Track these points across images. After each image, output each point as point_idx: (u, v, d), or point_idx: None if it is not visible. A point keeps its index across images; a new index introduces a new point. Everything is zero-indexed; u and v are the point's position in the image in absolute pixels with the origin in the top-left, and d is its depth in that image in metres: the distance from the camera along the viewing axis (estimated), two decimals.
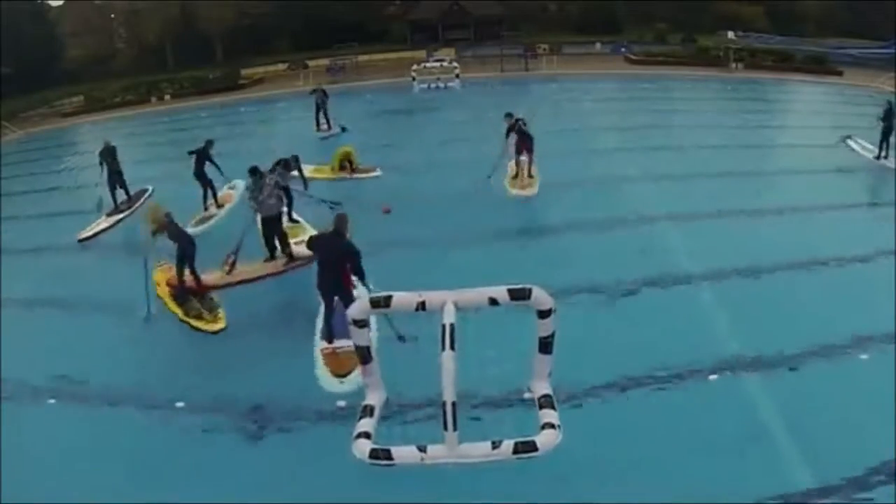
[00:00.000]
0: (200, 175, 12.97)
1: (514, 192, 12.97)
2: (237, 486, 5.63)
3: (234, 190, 13.74)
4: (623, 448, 5.72)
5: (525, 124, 13.23)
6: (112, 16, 49.24)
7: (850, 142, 16.35)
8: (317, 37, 43.30)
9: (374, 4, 47.77)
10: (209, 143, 13.27)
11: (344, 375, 6.90)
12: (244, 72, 40.26)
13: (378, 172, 15.24)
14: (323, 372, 7.11)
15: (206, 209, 13.07)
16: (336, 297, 7.40)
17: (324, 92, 20.64)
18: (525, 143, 13.16)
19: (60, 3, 48.74)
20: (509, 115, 13.54)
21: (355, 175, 15.20)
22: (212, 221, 12.64)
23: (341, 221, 7.35)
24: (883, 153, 14.82)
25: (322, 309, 7.66)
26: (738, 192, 12.81)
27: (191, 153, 13.04)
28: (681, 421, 6.10)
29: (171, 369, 7.64)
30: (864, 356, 6.93)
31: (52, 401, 7.14)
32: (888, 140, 14.65)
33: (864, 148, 15.75)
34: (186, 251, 8.99)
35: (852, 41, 39.25)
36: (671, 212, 11.67)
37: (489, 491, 5.17)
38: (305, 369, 7.37)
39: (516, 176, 13.39)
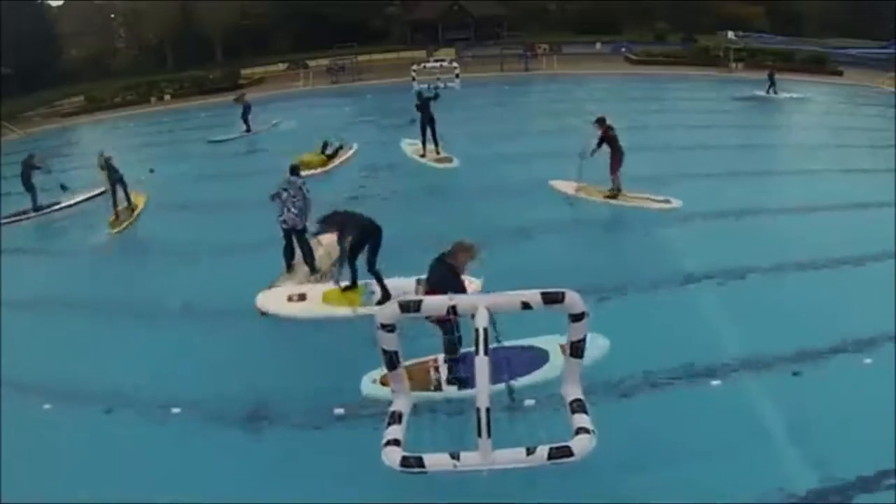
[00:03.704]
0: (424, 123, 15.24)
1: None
2: (237, 487, 5.62)
3: None
4: (623, 449, 5.70)
5: (614, 131, 11.74)
6: (112, 16, 49.37)
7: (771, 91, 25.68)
8: (317, 37, 43.40)
9: (374, 4, 47.84)
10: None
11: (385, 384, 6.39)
12: (244, 72, 40.29)
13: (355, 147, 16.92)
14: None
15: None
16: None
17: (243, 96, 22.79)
18: (618, 157, 11.81)
19: (60, 3, 48.84)
20: (602, 119, 11.82)
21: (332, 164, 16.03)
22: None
23: (455, 249, 6.10)
24: (772, 90, 25.46)
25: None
26: (737, 192, 12.79)
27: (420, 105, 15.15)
28: (681, 422, 6.08)
29: (171, 369, 7.62)
30: (867, 359, 6.92)
31: (52, 401, 7.12)
32: (773, 81, 25.43)
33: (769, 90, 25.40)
34: None
35: (852, 41, 39.30)
36: (669, 211, 11.64)
37: (489, 490, 5.17)
38: (306, 370, 7.38)
39: (613, 196, 12.06)
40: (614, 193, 12.13)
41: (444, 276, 5.99)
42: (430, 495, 5.18)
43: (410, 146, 16.53)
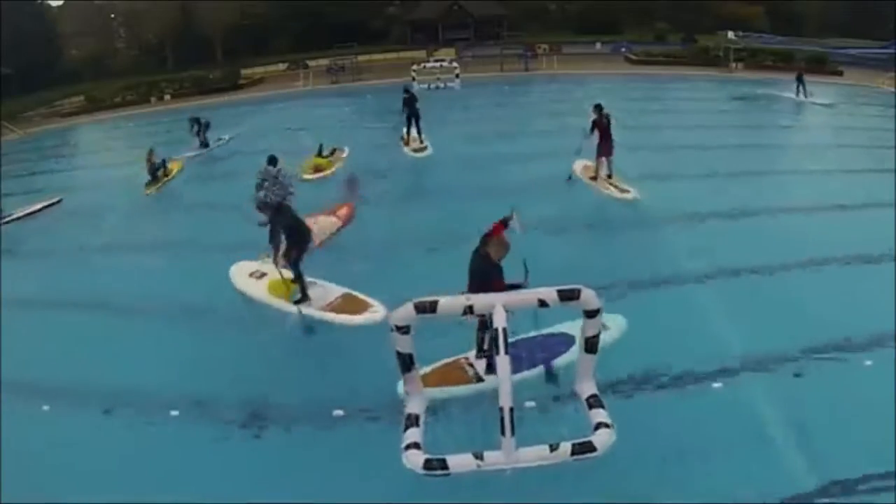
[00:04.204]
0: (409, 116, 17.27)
1: (608, 193, 12.60)
2: (237, 487, 5.62)
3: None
4: (623, 448, 5.70)
5: (609, 120, 12.57)
6: (112, 16, 49.37)
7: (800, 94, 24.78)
8: (317, 37, 43.41)
9: (374, 4, 47.85)
10: None
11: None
12: (244, 72, 40.32)
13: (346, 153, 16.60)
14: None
15: None
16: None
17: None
18: (608, 144, 12.61)
19: (60, 3, 48.87)
20: (599, 106, 12.69)
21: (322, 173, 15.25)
22: None
23: (484, 241, 6.18)
24: (801, 93, 24.45)
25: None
26: (737, 192, 12.77)
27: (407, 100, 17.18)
28: (681, 421, 6.09)
29: (171, 369, 7.62)
30: (867, 359, 6.92)
31: (53, 401, 7.12)
32: (802, 82, 24.47)
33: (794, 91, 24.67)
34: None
35: (852, 41, 39.30)
36: (670, 212, 11.66)
37: (494, 490, 5.17)
38: (308, 369, 7.39)
39: (594, 178, 12.93)
40: (594, 176, 13.08)
41: (479, 266, 6.11)
42: (433, 495, 5.18)
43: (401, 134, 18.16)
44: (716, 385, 6.61)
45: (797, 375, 6.75)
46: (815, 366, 6.85)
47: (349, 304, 8.40)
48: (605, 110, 12.64)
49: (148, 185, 15.76)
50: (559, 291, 4.88)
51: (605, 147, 12.63)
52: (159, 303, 9.30)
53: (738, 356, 7.04)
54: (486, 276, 5.95)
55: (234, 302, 8.92)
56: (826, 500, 5.13)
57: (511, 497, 5.16)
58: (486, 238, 6.17)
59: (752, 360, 6.95)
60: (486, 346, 6.41)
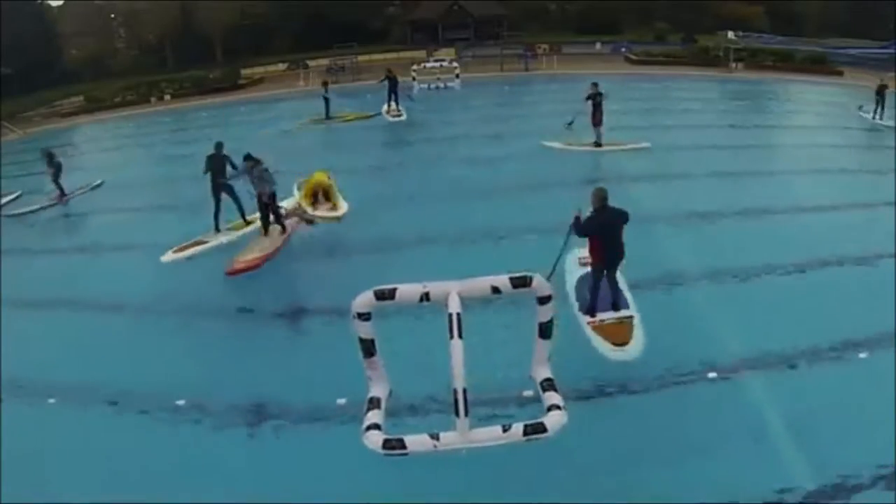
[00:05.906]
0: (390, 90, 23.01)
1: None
2: (237, 486, 5.62)
3: None
4: (622, 447, 5.72)
5: (601, 97, 15.53)
6: (112, 16, 49.33)
7: (862, 111, 20.71)
8: (317, 37, 43.33)
9: (374, 4, 47.84)
10: None
11: (623, 344, 7.23)
12: (244, 72, 40.31)
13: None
14: (600, 343, 7.31)
15: None
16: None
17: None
18: (598, 115, 15.62)
19: (60, 3, 48.84)
20: (595, 84, 15.83)
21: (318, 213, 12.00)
22: None
23: (600, 195, 7.36)
24: (877, 116, 19.39)
25: (591, 282, 7.80)
26: (737, 192, 12.80)
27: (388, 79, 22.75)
28: (680, 420, 6.10)
29: (171, 367, 7.63)
30: (866, 359, 6.92)
31: (52, 400, 7.13)
32: (883, 105, 19.34)
33: (867, 112, 20.22)
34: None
35: (852, 41, 39.30)
36: (671, 212, 11.66)
37: (491, 489, 5.17)
38: (307, 366, 7.40)
39: (597, 144, 15.88)
40: (598, 143, 15.83)
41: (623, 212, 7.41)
42: (431, 494, 5.19)
43: (383, 107, 23.20)
44: (715, 384, 6.62)
45: (792, 367, 6.78)
46: (815, 365, 6.86)
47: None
48: (599, 89, 15.63)
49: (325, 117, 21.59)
50: (511, 279, 5.00)
51: (597, 118, 15.60)
52: (157, 300, 9.32)
53: (738, 355, 7.05)
54: (622, 219, 7.36)
55: (234, 299, 8.95)
56: (826, 500, 5.14)
57: (511, 497, 5.17)
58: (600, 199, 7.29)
59: (751, 360, 6.97)
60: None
